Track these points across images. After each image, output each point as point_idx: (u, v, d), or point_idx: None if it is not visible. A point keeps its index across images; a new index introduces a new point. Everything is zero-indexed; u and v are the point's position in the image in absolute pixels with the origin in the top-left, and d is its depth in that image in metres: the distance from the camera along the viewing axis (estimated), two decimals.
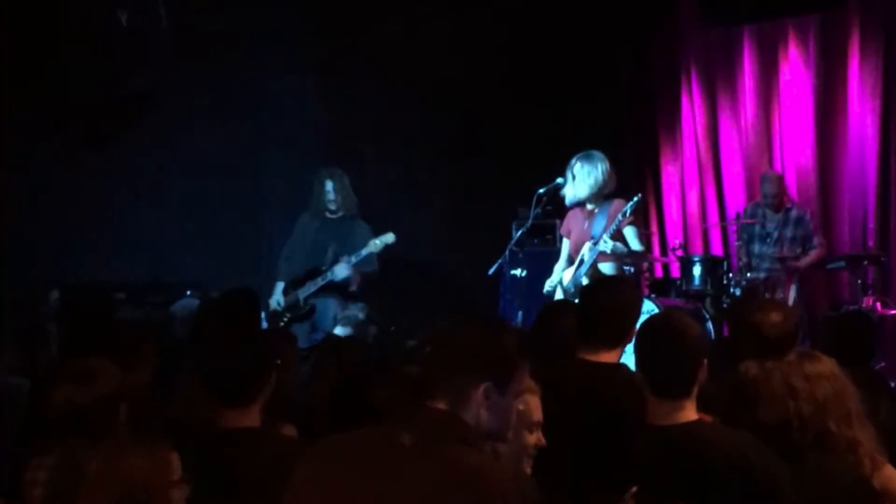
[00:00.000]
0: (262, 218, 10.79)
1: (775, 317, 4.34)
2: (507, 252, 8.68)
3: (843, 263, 9.72)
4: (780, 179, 10.13)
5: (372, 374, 4.18)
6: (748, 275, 9.48)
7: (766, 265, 9.62)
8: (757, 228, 9.82)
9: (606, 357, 4.30)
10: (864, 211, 10.18)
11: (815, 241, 9.72)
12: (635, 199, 8.05)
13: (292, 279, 9.24)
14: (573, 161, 8.19)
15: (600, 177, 8.10)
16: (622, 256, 8.01)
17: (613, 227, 7.95)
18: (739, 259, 9.66)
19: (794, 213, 9.81)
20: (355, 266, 8.97)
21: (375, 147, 10.42)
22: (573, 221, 8.31)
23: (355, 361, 5.24)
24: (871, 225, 10.06)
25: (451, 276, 9.76)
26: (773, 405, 3.57)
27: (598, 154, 8.18)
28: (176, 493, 3.23)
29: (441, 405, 2.71)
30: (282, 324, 8.96)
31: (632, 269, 9.48)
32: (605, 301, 4.42)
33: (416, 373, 3.47)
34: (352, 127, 10.61)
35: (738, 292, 9.38)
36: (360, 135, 10.62)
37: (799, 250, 9.68)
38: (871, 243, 9.91)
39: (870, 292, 9.30)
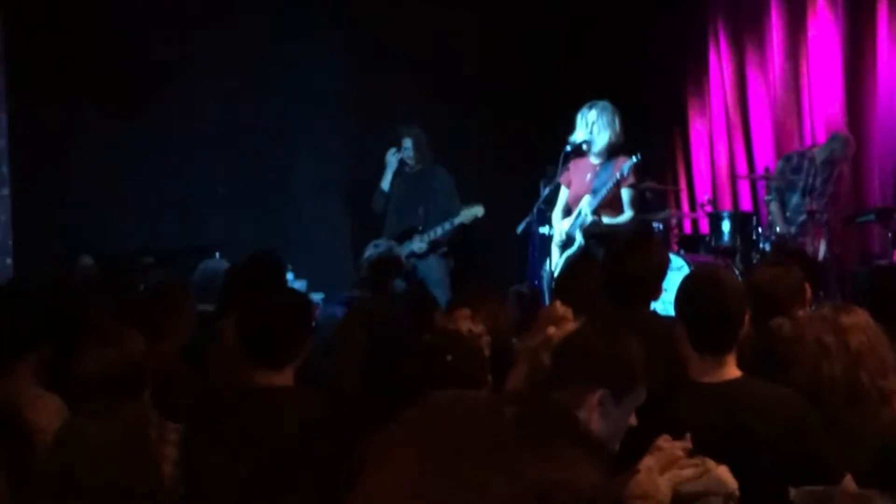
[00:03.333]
0: (290, 181, 10.82)
1: (777, 273, 4.37)
2: (534, 210, 8.69)
3: (872, 216, 9.62)
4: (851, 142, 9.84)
5: (403, 340, 4.18)
6: (777, 229, 9.43)
7: (801, 218, 9.52)
8: (801, 181, 9.59)
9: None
10: (894, 163, 10.10)
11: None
12: (633, 159, 8.03)
13: (391, 237, 9.55)
14: (588, 109, 8.17)
15: (618, 129, 8.11)
16: (599, 228, 8.00)
17: (609, 187, 7.94)
18: (769, 213, 9.61)
19: (838, 170, 9.61)
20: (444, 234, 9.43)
21: (403, 108, 10.42)
22: (575, 172, 8.33)
23: (387, 327, 5.25)
24: None
25: (481, 234, 9.76)
26: (805, 367, 3.56)
27: (610, 105, 8.18)
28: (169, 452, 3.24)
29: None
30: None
31: (661, 226, 9.52)
32: (635, 263, 4.43)
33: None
34: (380, 89, 10.63)
35: (767, 247, 9.34)
36: (387, 96, 10.63)
37: (825, 201, 9.57)
38: None
39: None
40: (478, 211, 9.41)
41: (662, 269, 4.53)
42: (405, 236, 9.53)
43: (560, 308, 3.63)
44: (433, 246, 9.50)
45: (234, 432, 3.65)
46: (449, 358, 3.42)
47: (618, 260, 4.59)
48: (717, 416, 3.35)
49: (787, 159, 9.83)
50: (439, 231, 9.42)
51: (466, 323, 4.45)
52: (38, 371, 4.18)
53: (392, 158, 9.81)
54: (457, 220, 9.39)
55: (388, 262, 7.42)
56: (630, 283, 4.37)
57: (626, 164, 8.00)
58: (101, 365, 3.76)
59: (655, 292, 4.42)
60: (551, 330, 3.23)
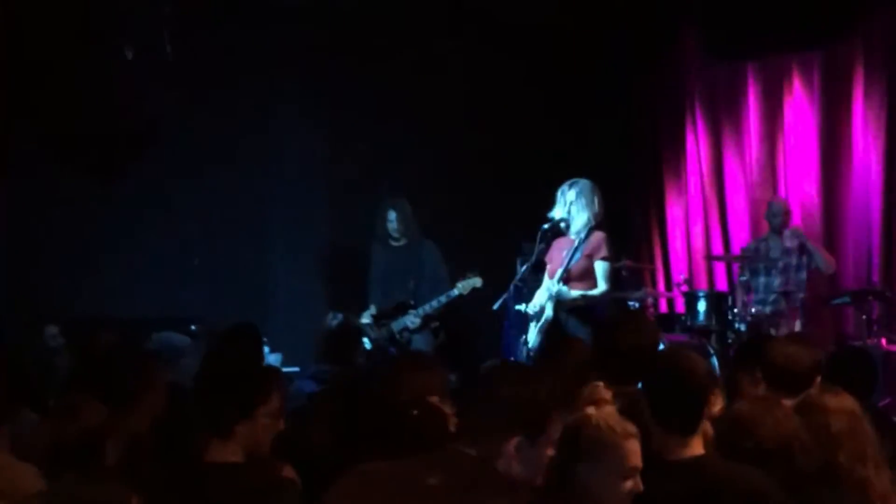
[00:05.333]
0: (266, 252, 10.80)
1: (802, 351, 4.39)
2: (511, 287, 8.68)
3: (847, 299, 9.69)
4: (785, 204, 10.07)
5: (376, 414, 4.15)
6: (752, 310, 9.46)
7: (772, 298, 9.57)
8: (761, 264, 9.77)
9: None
10: (869, 246, 10.16)
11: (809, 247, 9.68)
12: (584, 232, 8.01)
13: (381, 311, 9.46)
14: (567, 188, 8.18)
15: (597, 210, 8.12)
16: (569, 301, 7.99)
17: (575, 257, 7.96)
18: (742, 295, 9.66)
19: (792, 238, 9.76)
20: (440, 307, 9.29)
21: (380, 181, 10.43)
22: (555, 250, 8.32)
23: (357, 400, 5.20)
24: (876, 260, 10.03)
25: (457, 309, 9.73)
26: (774, 429, 3.56)
27: (590, 183, 8.19)
28: None
29: (471, 451, 2.73)
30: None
31: (637, 305, 9.52)
32: (627, 340, 4.42)
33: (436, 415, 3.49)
34: (357, 161, 10.63)
35: (742, 328, 9.36)
36: (365, 169, 10.64)
37: (804, 277, 9.64)
38: (875, 279, 9.87)
39: (875, 328, 9.27)
40: (476, 282, 9.25)
41: (656, 345, 4.53)
42: (398, 311, 9.42)
43: (602, 390, 3.62)
44: (426, 320, 9.40)
45: None
46: (414, 412, 3.45)
47: (610, 335, 4.57)
48: (680, 493, 3.35)
49: (747, 248, 9.99)
50: (436, 304, 9.28)
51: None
52: (13, 440, 4.14)
53: None
54: (455, 293, 9.24)
55: (346, 334, 7.36)
56: (623, 359, 4.35)
57: (580, 236, 8.02)
58: (54, 437, 3.73)
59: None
60: (590, 410, 3.22)
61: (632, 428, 3.13)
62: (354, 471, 2.88)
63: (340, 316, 9.12)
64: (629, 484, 3.13)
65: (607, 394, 3.25)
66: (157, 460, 4.38)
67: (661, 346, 7.99)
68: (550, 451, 2.92)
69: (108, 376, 4.80)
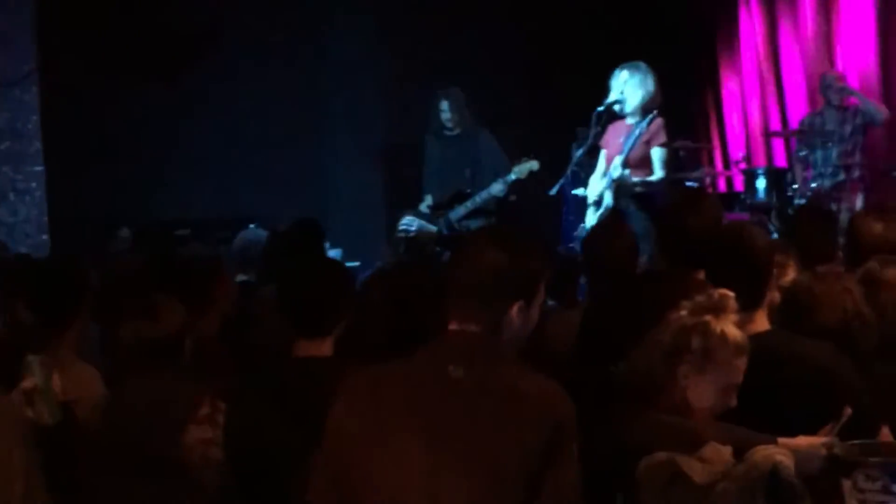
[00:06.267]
0: (324, 150, 10.85)
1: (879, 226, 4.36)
2: (568, 172, 8.67)
3: None
4: (839, 76, 9.91)
5: (421, 302, 4.18)
6: (812, 185, 9.38)
7: (830, 171, 9.46)
8: (818, 138, 9.63)
9: None
10: None
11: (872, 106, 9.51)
12: (649, 116, 7.96)
13: (436, 203, 9.38)
14: (620, 71, 8.12)
15: (651, 88, 8.04)
16: (629, 187, 7.95)
17: (631, 143, 7.90)
18: (801, 171, 9.58)
19: (850, 109, 9.60)
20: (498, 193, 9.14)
21: (436, 74, 10.39)
22: (612, 134, 8.26)
23: (404, 289, 5.23)
24: None
25: (515, 195, 9.71)
26: (831, 308, 3.55)
27: (643, 65, 8.11)
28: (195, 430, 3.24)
29: (473, 327, 2.76)
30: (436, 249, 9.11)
31: (696, 185, 9.47)
32: (690, 221, 4.36)
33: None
34: (413, 54, 10.59)
35: (802, 203, 9.29)
36: (419, 62, 10.60)
37: (860, 141, 9.49)
38: None
39: None
40: (533, 165, 9.03)
41: (719, 223, 4.47)
42: (454, 200, 9.33)
43: (730, 300, 3.53)
44: (482, 209, 9.25)
45: (276, 403, 3.67)
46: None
47: (672, 217, 4.54)
48: (747, 370, 3.30)
49: (801, 123, 9.83)
50: (493, 190, 9.12)
51: None
52: (77, 342, 4.24)
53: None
54: (512, 177, 9.06)
55: (424, 243, 7.39)
56: (687, 240, 4.30)
57: (645, 119, 7.96)
58: (135, 336, 3.80)
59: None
60: (709, 317, 3.18)
61: (745, 343, 3.09)
62: (372, 368, 2.89)
63: (414, 222, 9.12)
64: (726, 398, 3.11)
65: (734, 304, 3.18)
66: (227, 359, 4.48)
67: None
68: (536, 315, 2.94)
69: (185, 278, 4.91)
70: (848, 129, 9.50)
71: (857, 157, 9.46)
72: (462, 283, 2.83)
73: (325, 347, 3.81)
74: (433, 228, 9.25)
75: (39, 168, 9.73)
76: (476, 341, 2.76)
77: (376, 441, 2.69)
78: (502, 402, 2.66)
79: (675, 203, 4.89)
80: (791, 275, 4.22)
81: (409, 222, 9.22)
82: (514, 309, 2.79)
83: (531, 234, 3.23)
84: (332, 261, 4.44)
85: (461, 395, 2.67)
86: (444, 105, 9.41)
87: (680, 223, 4.37)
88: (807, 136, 9.67)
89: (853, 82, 10.27)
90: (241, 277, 6.08)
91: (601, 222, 7.57)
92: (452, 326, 2.80)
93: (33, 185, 9.76)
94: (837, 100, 9.59)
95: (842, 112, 9.57)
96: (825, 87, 9.74)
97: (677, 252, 4.28)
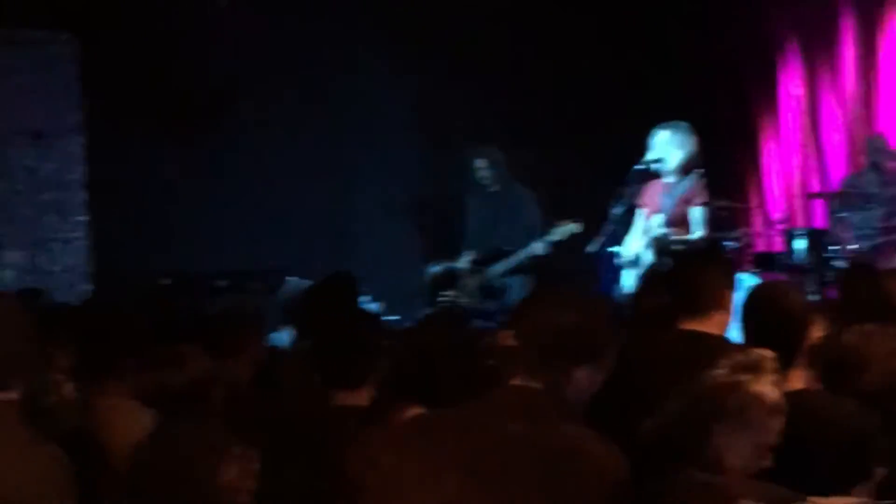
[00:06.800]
0: (353, 202, 10.90)
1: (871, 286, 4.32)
2: (607, 231, 8.68)
3: None
4: (884, 140, 9.88)
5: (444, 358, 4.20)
6: (849, 247, 9.33)
7: (870, 233, 9.41)
8: (859, 200, 9.58)
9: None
10: None
11: None
12: (693, 175, 7.97)
13: (476, 259, 9.43)
14: (659, 130, 8.15)
15: (692, 149, 8.06)
16: (670, 243, 7.94)
17: (673, 203, 7.90)
18: (841, 232, 9.54)
19: (892, 173, 9.56)
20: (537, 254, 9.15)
21: (466, 132, 10.45)
22: (649, 192, 8.29)
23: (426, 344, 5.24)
24: None
25: (552, 256, 9.73)
26: (876, 370, 3.53)
27: (685, 125, 8.14)
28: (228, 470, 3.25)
29: (535, 384, 2.76)
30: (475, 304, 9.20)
31: (735, 245, 9.46)
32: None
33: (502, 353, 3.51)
34: (445, 106, 10.66)
35: (841, 265, 9.24)
36: (448, 121, 10.66)
37: None
38: None
39: None
40: (573, 228, 9.08)
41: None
42: (494, 258, 9.38)
43: (769, 360, 3.53)
44: (521, 267, 9.30)
45: (312, 453, 3.68)
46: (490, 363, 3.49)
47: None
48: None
49: (843, 183, 9.80)
50: (536, 248, 9.14)
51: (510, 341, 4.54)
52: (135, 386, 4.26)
53: None
54: (554, 237, 9.11)
55: (449, 279, 7.45)
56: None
57: (688, 178, 7.97)
58: (159, 384, 3.84)
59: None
60: (746, 377, 3.18)
61: (782, 404, 3.06)
62: (426, 414, 2.89)
63: (443, 264, 9.17)
64: (759, 458, 3.08)
65: (772, 364, 3.17)
66: (258, 410, 4.50)
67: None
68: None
69: (215, 328, 4.95)
70: (891, 192, 9.47)
71: None
72: (530, 341, 2.83)
73: (360, 398, 3.84)
74: (492, 272, 9.27)
75: (83, 218, 9.84)
76: (538, 398, 2.76)
77: (422, 486, 2.67)
78: (560, 461, 2.64)
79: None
80: (819, 332, 4.20)
81: (433, 266, 9.30)
82: (580, 370, 2.79)
83: (604, 298, 3.24)
84: (363, 312, 4.47)
85: (518, 450, 2.65)
86: (480, 163, 9.48)
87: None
88: (848, 197, 9.63)
89: (894, 141, 10.25)
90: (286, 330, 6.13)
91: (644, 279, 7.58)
92: (515, 381, 2.79)
93: (77, 234, 9.88)
94: (885, 163, 9.54)
95: (884, 175, 9.54)
96: (873, 150, 9.68)
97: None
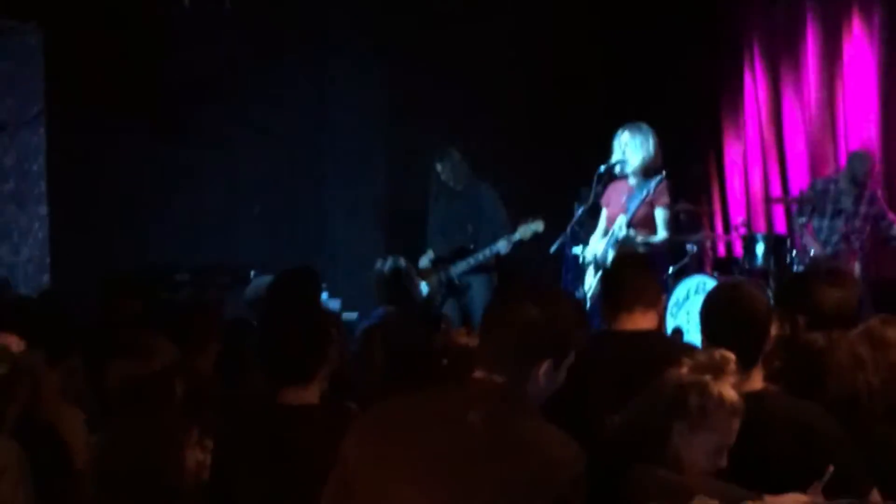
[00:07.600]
0: (320, 199, 10.89)
1: (835, 292, 4.32)
2: (568, 231, 8.70)
3: None
4: (871, 157, 9.79)
5: (418, 353, 4.20)
6: (812, 252, 9.40)
7: (834, 240, 9.46)
8: (829, 205, 9.55)
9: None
10: None
11: (890, 217, 9.46)
12: (658, 176, 8.03)
13: (438, 258, 9.45)
14: (622, 132, 8.20)
15: (651, 150, 8.11)
16: (636, 245, 7.99)
17: (637, 204, 7.95)
18: (801, 237, 9.60)
19: (868, 191, 9.53)
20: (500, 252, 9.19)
21: (434, 130, 10.46)
22: (613, 193, 8.33)
23: (400, 341, 5.25)
24: None
25: (514, 254, 9.75)
26: (841, 378, 3.56)
27: (645, 126, 8.18)
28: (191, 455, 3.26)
29: (498, 378, 2.76)
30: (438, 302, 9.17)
31: (695, 248, 9.52)
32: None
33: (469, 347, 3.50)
34: (413, 109, 10.66)
35: (800, 270, 9.31)
36: (420, 117, 10.66)
37: (868, 228, 9.49)
38: None
39: None
40: (537, 227, 9.13)
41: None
42: (456, 256, 9.37)
43: (731, 362, 3.54)
44: (483, 265, 9.33)
45: (260, 449, 3.68)
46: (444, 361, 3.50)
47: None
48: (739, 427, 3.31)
49: (813, 185, 9.83)
50: (499, 247, 9.16)
51: (463, 339, 4.60)
52: (64, 383, 4.25)
53: None
54: (517, 236, 9.14)
55: (397, 277, 7.44)
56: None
57: (653, 180, 8.02)
58: (125, 377, 3.83)
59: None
60: (708, 377, 3.20)
61: (740, 406, 3.13)
62: (387, 403, 2.88)
63: (391, 259, 9.15)
64: (717, 458, 3.15)
65: (733, 366, 3.20)
66: (219, 402, 4.50)
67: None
68: (562, 377, 2.94)
69: (179, 320, 4.94)
70: (862, 210, 9.47)
71: (861, 230, 9.43)
72: (493, 335, 2.83)
73: (308, 395, 3.83)
74: (454, 271, 9.30)
75: (43, 209, 9.77)
76: (499, 391, 2.75)
77: (384, 474, 2.67)
78: (518, 453, 2.63)
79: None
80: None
81: (382, 262, 9.29)
82: (543, 367, 2.78)
83: (570, 295, 3.23)
84: (312, 309, 4.46)
85: (476, 441, 2.64)
86: (439, 167, 9.51)
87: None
88: (818, 202, 9.61)
89: (855, 149, 10.28)
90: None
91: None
92: (478, 374, 2.79)
93: (36, 225, 9.81)
94: (865, 180, 9.42)
95: (860, 192, 9.47)
96: (861, 165, 9.48)
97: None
